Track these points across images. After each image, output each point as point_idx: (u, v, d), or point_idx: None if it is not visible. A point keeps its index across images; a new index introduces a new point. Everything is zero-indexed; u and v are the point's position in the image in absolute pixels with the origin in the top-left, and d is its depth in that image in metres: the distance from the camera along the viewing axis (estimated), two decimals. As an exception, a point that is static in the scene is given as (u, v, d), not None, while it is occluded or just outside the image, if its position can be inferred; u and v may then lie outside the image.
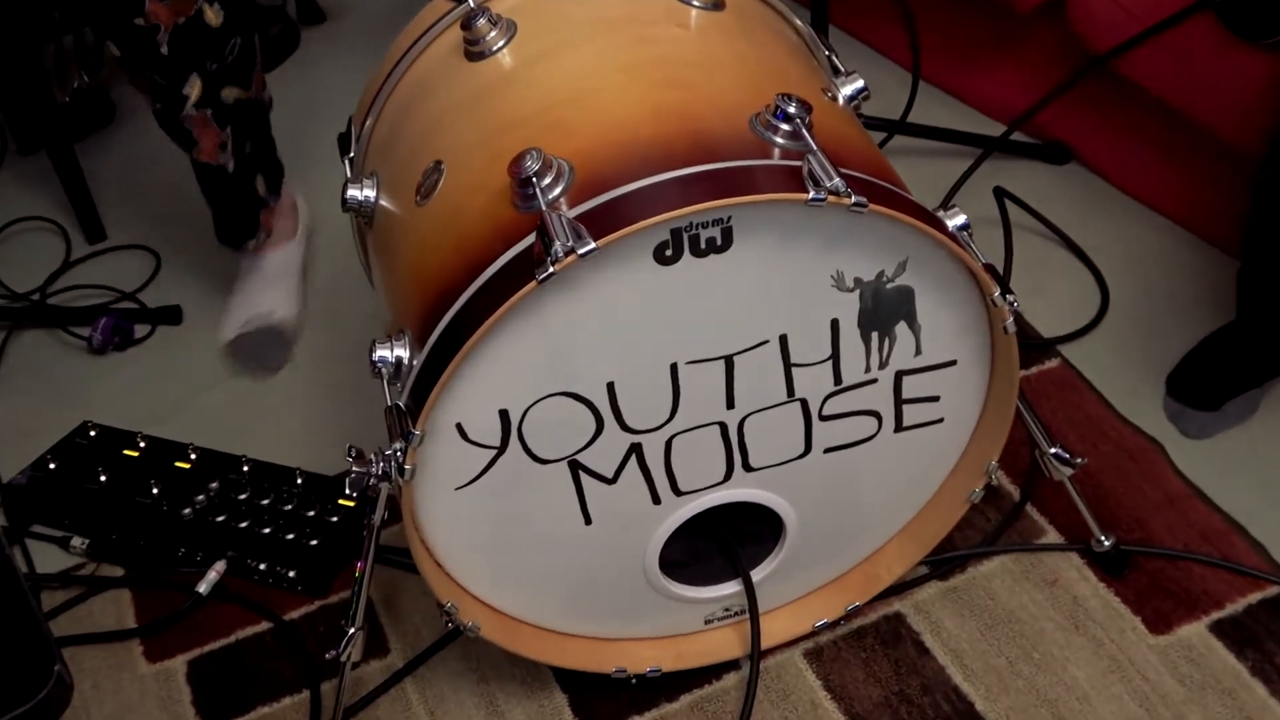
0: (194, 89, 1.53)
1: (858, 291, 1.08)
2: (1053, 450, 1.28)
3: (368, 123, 1.29)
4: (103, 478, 1.51)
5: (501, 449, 1.09)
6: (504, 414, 1.07)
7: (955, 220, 1.11)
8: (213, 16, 1.51)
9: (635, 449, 1.12)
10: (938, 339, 1.14)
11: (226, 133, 1.59)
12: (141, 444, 1.55)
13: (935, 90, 1.99)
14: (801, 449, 1.18)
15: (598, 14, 1.23)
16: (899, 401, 1.18)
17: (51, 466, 1.53)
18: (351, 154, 1.32)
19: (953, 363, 1.17)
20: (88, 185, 1.94)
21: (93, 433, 1.57)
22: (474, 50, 1.19)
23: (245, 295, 1.74)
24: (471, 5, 1.22)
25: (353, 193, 1.24)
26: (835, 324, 1.10)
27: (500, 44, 1.18)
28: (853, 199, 1.00)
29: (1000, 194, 1.76)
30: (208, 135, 1.59)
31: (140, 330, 1.80)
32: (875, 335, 1.12)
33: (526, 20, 1.20)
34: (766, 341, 1.09)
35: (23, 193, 2.03)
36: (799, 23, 1.31)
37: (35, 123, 1.96)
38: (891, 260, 1.08)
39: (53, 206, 2.00)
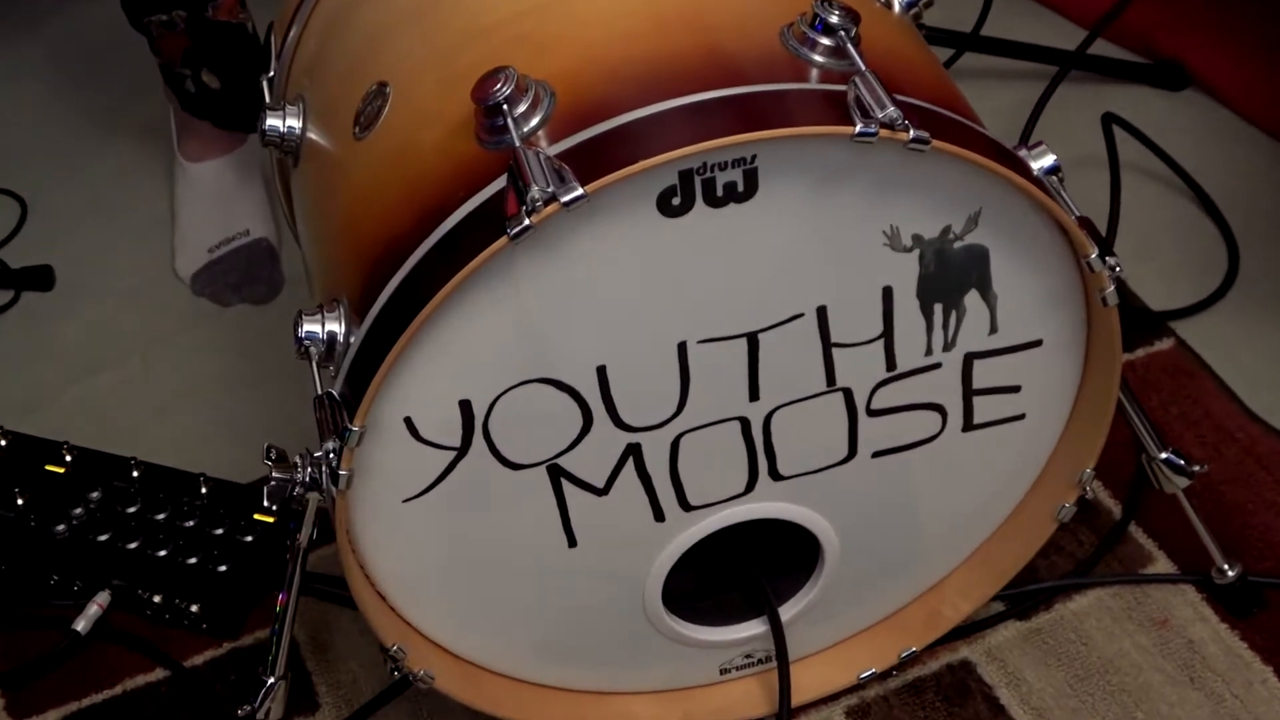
0: None
1: (917, 252, 1.09)
2: (1164, 455, 1.28)
3: (291, 33, 1.30)
4: (-47, 485, 1.51)
5: (462, 450, 1.10)
6: (465, 406, 1.07)
7: (1041, 161, 1.11)
8: None
9: (633, 451, 1.13)
10: (1018, 313, 1.15)
11: None
12: (2, 442, 1.55)
13: (1017, -6, 1.99)
14: (844, 452, 1.18)
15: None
16: (968, 392, 1.18)
17: (-112, 470, 1.54)
18: (271, 73, 1.32)
19: (1037, 343, 1.17)
20: (-66, 104, 1.95)
21: (-59, 428, 1.58)
22: (428, -58, 1.19)
23: (205, 211, 1.77)
24: (425, -117, 1.22)
25: (272, 122, 1.24)
26: (888, 293, 1.10)
27: (462, -67, 1.18)
28: (911, 133, 1.00)
29: (1110, 122, 1.75)
30: None
31: (1, 297, 1.80)
32: (939, 308, 1.12)
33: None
34: (800, 315, 1.09)
35: None
36: (844, -93, 1.31)
37: None
38: (960, 212, 1.08)
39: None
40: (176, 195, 1.83)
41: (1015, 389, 1.20)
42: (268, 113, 1.24)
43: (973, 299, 1.13)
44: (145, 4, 1.64)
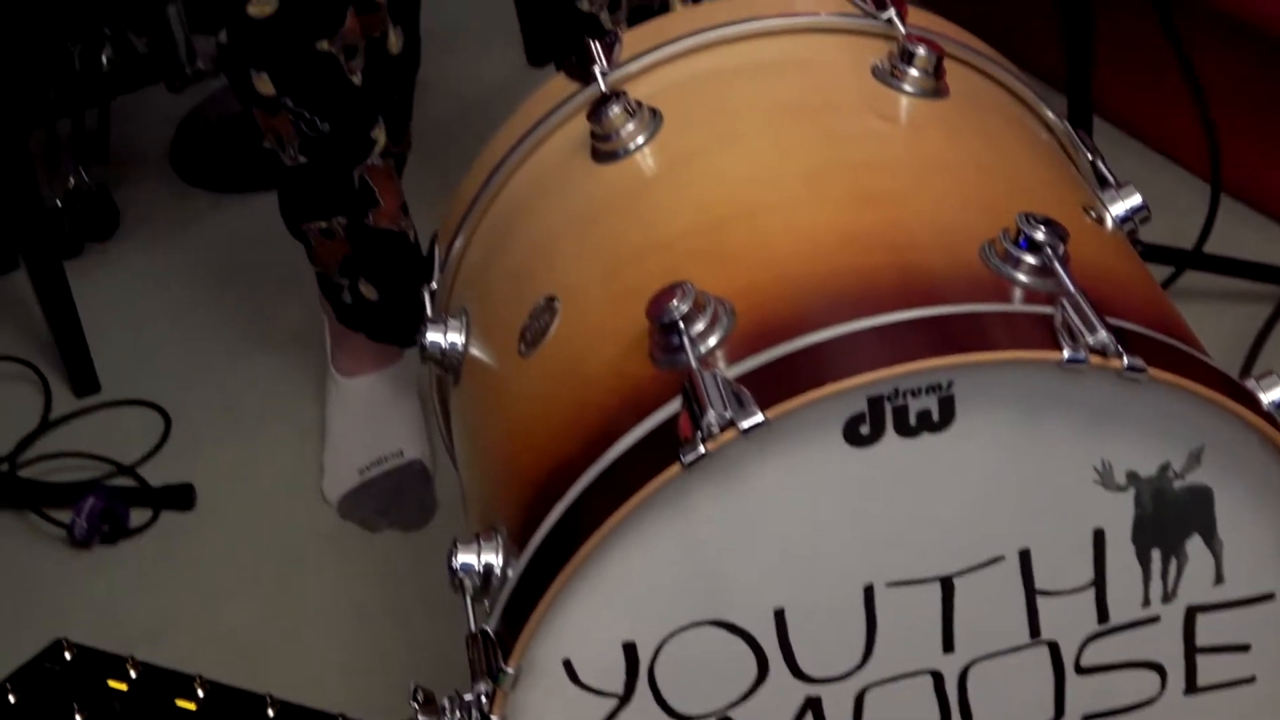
0: (381, 133, 1.63)
1: (1132, 491, 1.08)
2: None
3: (456, 244, 1.33)
4: (79, 718, 1.54)
5: (625, 698, 1.09)
6: (630, 649, 1.07)
7: (1272, 393, 1.09)
8: (395, 42, 1.61)
9: (812, 705, 1.12)
10: (1248, 562, 1.12)
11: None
12: (133, 673, 1.58)
13: (1242, 208, 1.98)
14: (1050, 715, 1.16)
15: (772, 101, 1.26)
16: (1190, 650, 1.16)
17: (11, 700, 1.57)
18: (433, 284, 1.36)
19: (1269, 596, 1.15)
20: (79, 317, 2.02)
21: (68, 655, 1.61)
22: (604, 148, 1.23)
23: (357, 429, 1.81)
24: (603, 88, 1.26)
25: (433, 337, 1.27)
26: (1099, 536, 1.09)
27: (639, 140, 1.22)
28: (1125, 361, 1.00)
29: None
30: (390, 192, 1.69)
31: (138, 516, 1.85)
32: (1157, 554, 1.11)
33: (675, 108, 1.24)
34: (1001, 558, 1.08)
35: (-7, 326, 2.12)
36: (1051, 115, 1.33)
37: (15, 233, 2.06)
38: (1180, 448, 1.07)
39: (31, 345, 2.08)
40: (328, 411, 1.87)
41: (1244, 648, 1.17)
42: (429, 327, 1.27)
43: (1195, 545, 1.11)
44: (304, 209, 1.71)
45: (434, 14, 1.81)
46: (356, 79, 1.59)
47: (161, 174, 2.36)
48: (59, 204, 2.21)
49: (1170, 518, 1.09)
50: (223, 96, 2.35)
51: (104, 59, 2.20)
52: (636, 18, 1.65)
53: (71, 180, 2.23)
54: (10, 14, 1.77)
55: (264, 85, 1.57)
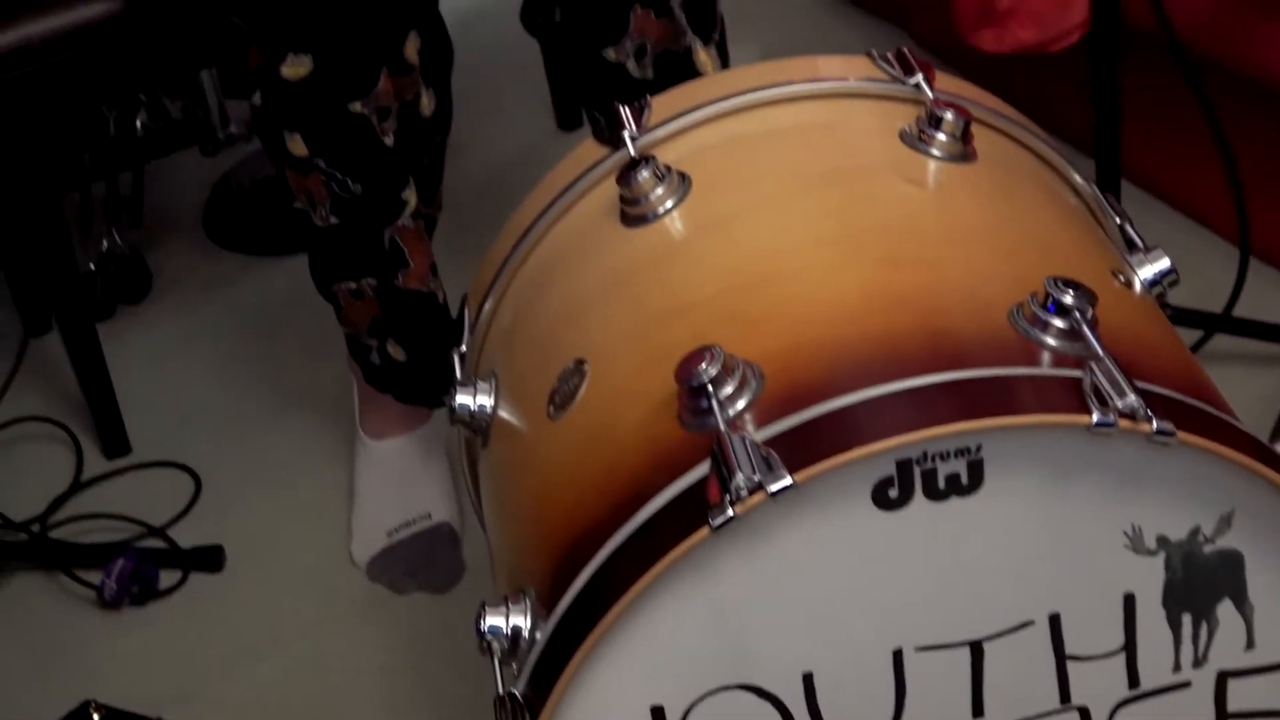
0: (412, 194, 1.64)
1: (1162, 555, 1.07)
2: None
3: (487, 306, 1.34)
4: (106, 779, 1.54)
5: (653, 761, 1.09)
6: (658, 713, 1.07)
7: (1302, 457, 1.09)
8: (427, 104, 1.63)
9: (841, 769, 1.11)
10: (1278, 627, 1.12)
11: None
12: (160, 735, 1.58)
13: (1271, 271, 1.98)
14: (1080, 778, 1.15)
15: (801, 166, 1.27)
16: (1222, 716, 1.15)
17: (39, 760, 1.57)
18: (463, 347, 1.36)
19: (1301, 661, 1.14)
20: (110, 379, 2.03)
21: (97, 716, 1.61)
22: (633, 212, 1.23)
23: (385, 491, 1.81)
24: (631, 153, 1.27)
25: (462, 399, 1.27)
26: (1130, 600, 1.09)
27: (668, 204, 1.23)
28: (1155, 424, 1.00)
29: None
30: (420, 253, 1.70)
31: (168, 578, 1.85)
32: (1188, 619, 1.10)
33: (704, 173, 1.25)
34: (1030, 623, 1.08)
35: (26, 387, 2.12)
36: (1079, 179, 1.33)
37: (48, 295, 2.07)
38: (1210, 513, 1.06)
39: (63, 406, 2.10)
40: (356, 473, 1.87)
41: (1276, 714, 1.16)
42: (458, 389, 1.27)
43: (1226, 609, 1.10)
44: (335, 270, 1.72)
45: (466, 77, 1.83)
46: (389, 140, 1.60)
47: (194, 237, 2.37)
48: (92, 267, 2.23)
49: (1201, 582, 1.09)
50: (255, 161, 2.37)
51: (139, 123, 2.23)
52: (662, 65, 1.66)
53: (105, 243, 2.25)
54: (48, 80, 1.79)
55: (297, 146, 1.59)
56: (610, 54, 1.66)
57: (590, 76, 1.69)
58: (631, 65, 1.66)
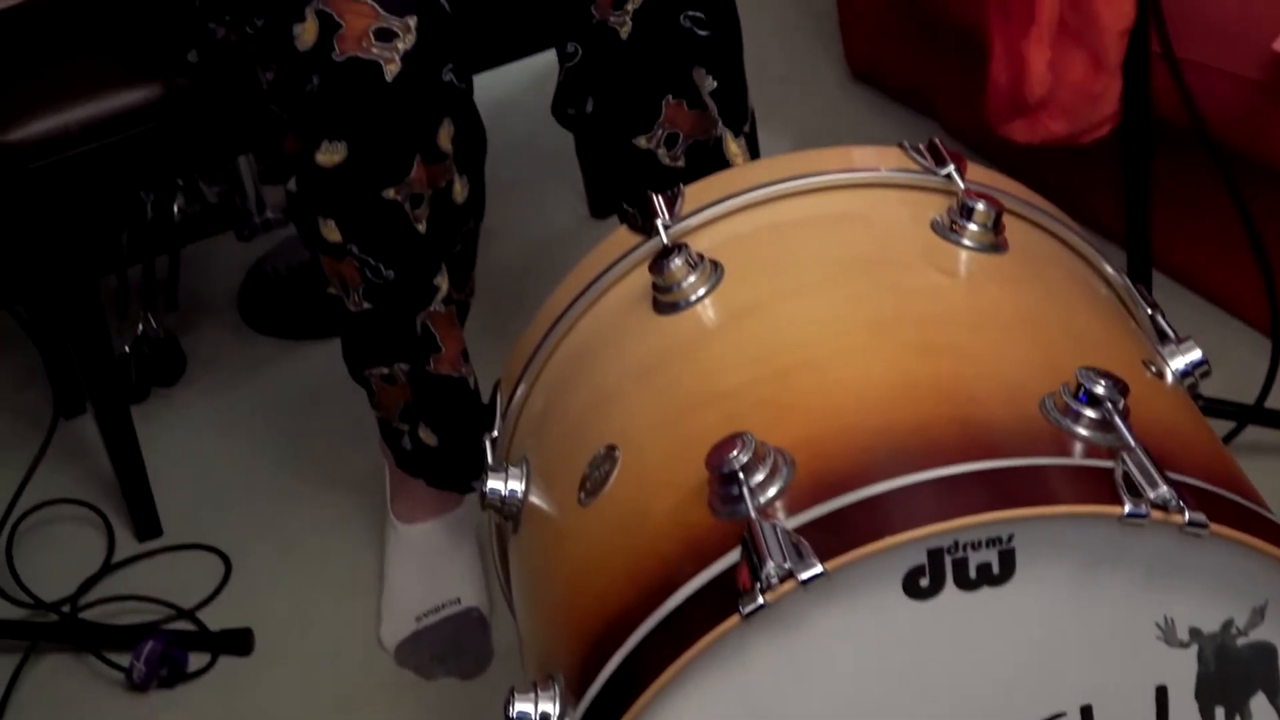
0: (444, 280, 1.66)
1: (1195, 648, 1.07)
2: None
3: (519, 392, 1.34)
4: None
5: None
6: (687, 800, 1.07)
7: (1336, 551, 1.09)
8: (460, 191, 1.65)
9: None
10: (1314, 721, 1.11)
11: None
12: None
13: (1305, 363, 1.97)
14: None
15: (832, 253, 1.27)
16: (1256, 810, 1.14)
17: (65, 843, 1.57)
18: (495, 433, 1.37)
19: (1336, 756, 1.13)
20: (143, 461, 2.04)
21: (124, 799, 1.61)
22: (665, 300, 1.24)
23: (415, 576, 1.81)
24: (664, 241, 1.28)
25: (494, 484, 1.27)
26: (1162, 693, 1.08)
27: (700, 292, 1.23)
28: (1187, 516, 0.99)
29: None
30: (452, 338, 1.71)
31: (196, 660, 1.85)
32: (1221, 711, 1.09)
33: (735, 260, 1.25)
34: (1062, 715, 1.07)
35: (59, 468, 2.13)
36: (1110, 269, 1.33)
37: (84, 377, 2.09)
38: (1243, 605, 1.06)
39: (95, 488, 2.10)
40: (386, 557, 1.87)
41: (1311, 808, 1.15)
42: (489, 475, 1.28)
43: (1259, 703, 1.09)
44: (367, 355, 1.73)
45: (499, 165, 1.84)
46: (421, 227, 1.61)
47: (228, 320, 2.38)
48: (127, 349, 2.24)
49: (1234, 675, 1.08)
50: (290, 246, 2.39)
51: (176, 208, 2.25)
52: (693, 155, 1.68)
53: (140, 326, 2.26)
54: (88, 165, 1.81)
55: (331, 232, 1.60)
56: (641, 142, 1.68)
57: (621, 164, 1.70)
58: (662, 154, 1.68)
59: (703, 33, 1.63)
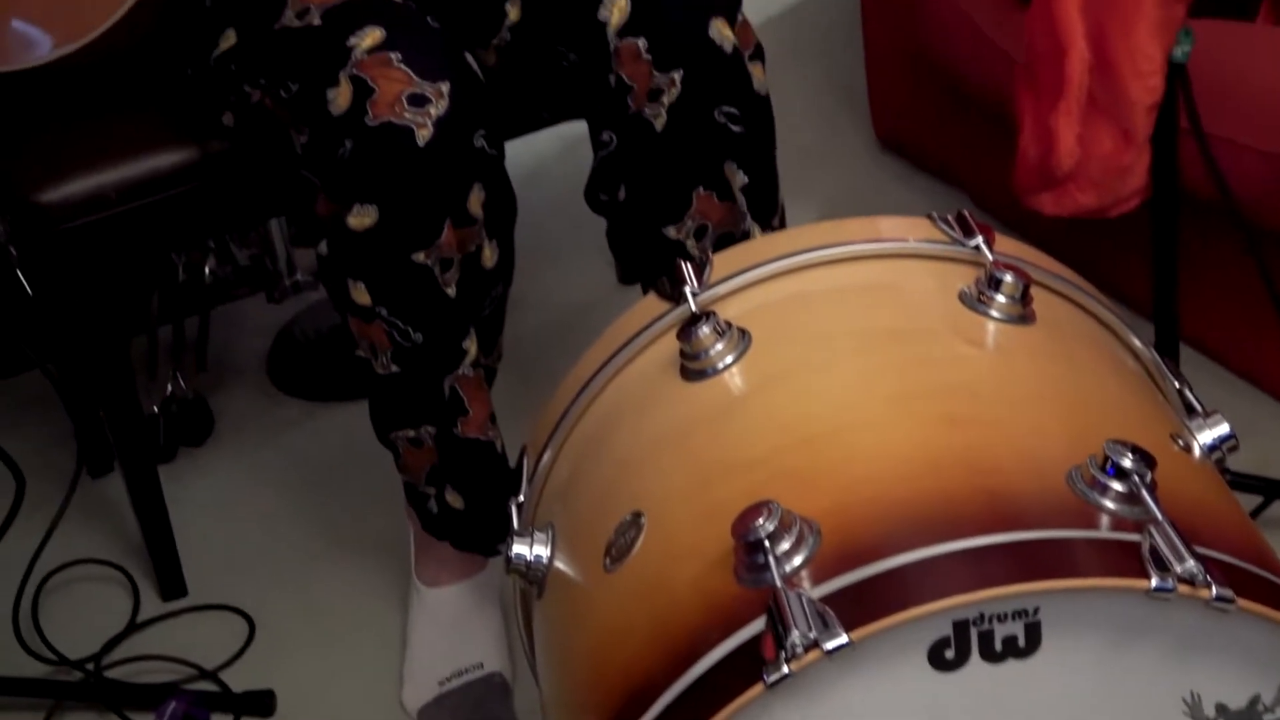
0: (473, 344, 1.67)
1: (1222, 723, 1.06)
2: None
3: (545, 457, 1.35)
4: None
5: None
6: None
7: (1364, 628, 1.08)
8: (489, 256, 1.66)
9: None
10: (1341, 799, 1.10)
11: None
12: None
13: (1333, 438, 1.97)
14: None
15: (860, 324, 1.28)
16: None
17: None
18: (521, 497, 1.37)
19: (1365, 836, 1.12)
20: (170, 521, 2.04)
21: None
22: (693, 367, 1.24)
23: (438, 640, 1.81)
24: (693, 309, 1.28)
25: (519, 549, 1.27)
26: (1188, 769, 1.07)
27: (728, 359, 1.23)
28: (1214, 590, 0.99)
29: None
30: (479, 402, 1.71)
31: (220, 722, 1.85)
32: (1247, 788, 1.09)
33: (763, 329, 1.26)
34: (1088, 789, 1.07)
35: (85, 527, 2.13)
36: (1138, 343, 1.33)
37: (112, 437, 2.09)
38: (1270, 680, 1.05)
39: (122, 548, 2.10)
40: (410, 620, 1.87)
41: None
42: (515, 539, 1.28)
43: (1286, 781, 1.09)
44: (394, 418, 1.73)
45: (528, 230, 1.85)
46: (450, 291, 1.62)
47: (257, 382, 2.39)
48: (155, 409, 2.25)
49: (1261, 752, 1.07)
50: (319, 309, 2.40)
51: (207, 270, 2.26)
52: (721, 246, 1.68)
53: (169, 386, 2.27)
54: (120, 227, 1.82)
55: (360, 295, 1.61)
56: (671, 232, 1.69)
57: (651, 253, 1.72)
58: (691, 245, 1.69)
59: (736, 129, 1.65)
